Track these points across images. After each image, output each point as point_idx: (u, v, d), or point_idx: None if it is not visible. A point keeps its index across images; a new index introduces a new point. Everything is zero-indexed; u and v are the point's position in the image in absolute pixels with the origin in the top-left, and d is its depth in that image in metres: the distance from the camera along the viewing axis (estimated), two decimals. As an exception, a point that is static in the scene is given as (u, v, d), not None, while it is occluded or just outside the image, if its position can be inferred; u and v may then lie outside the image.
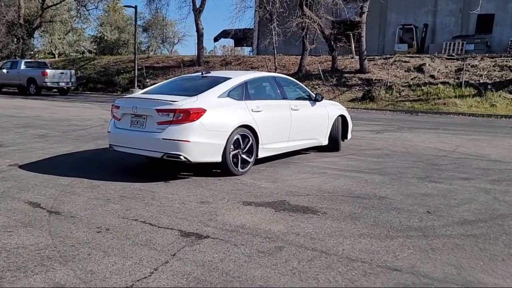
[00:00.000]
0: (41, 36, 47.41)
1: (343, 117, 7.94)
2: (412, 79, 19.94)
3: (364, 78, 20.73)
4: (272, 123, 6.40)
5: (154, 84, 26.37)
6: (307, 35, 21.65)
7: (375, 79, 20.39)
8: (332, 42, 22.00)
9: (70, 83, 24.54)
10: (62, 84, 24.03)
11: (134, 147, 5.64)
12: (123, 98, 6.12)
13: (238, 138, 5.82)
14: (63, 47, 50.56)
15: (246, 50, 46.13)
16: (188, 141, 5.32)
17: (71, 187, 5.22)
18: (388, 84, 19.63)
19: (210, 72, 6.68)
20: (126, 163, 6.65)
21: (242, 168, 5.91)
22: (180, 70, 26.74)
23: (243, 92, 6.15)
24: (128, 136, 5.71)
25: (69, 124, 11.54)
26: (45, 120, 12.34)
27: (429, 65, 20.68)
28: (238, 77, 6.24)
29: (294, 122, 6.77)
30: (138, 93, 6.45)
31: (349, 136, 8.21)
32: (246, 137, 5.94)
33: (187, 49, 60.60)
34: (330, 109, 7.68)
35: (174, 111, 5.34)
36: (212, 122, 5.52)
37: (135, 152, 5.70)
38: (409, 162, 7.07)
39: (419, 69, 20.59)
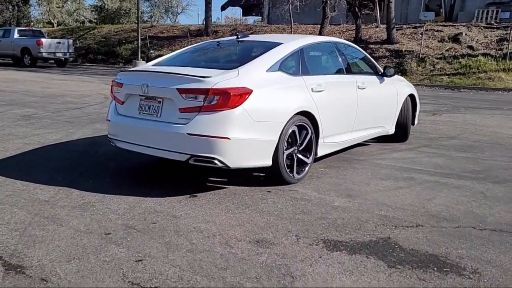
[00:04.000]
0: (39, 4, 45.00)
1: (412, 97, 6.09)
2: (447, 50, 17.85)
3: (393, 49, 18.64)
4: (336, 108, 4.58)
5: (159, 56, 24.44)
6: (328, 1, 19.44)
7: (404, 51, 18.30)
8: (357, 9, 19.80)
9: (67, 53, 22.53)
10: (59, 54, 22.03)
11: (144, 144, 3.85)
12: (127, 72, 4.27)
13: (294, 131, 4.03)
14: (62, 16, 48.11)
15: (251, 20, 43.59)
16: (227, 137, 3.52)
17: (51, 206, 3.47)
18: (421, 56, 17.58)
19: (248, 36, 4.79)
20: (133, 161, 4.87)
21: (298, 173, 4.14)
22: (187, 40, 24.61)
23: (299, 64, 4.30)
24: (135, 128, 3.91)
25: (63, 101, 9.72)
26: (36, 96, 10.52)
27: (465, 34, 18.54)
28: (292, 42, 4.37)
29: (360, 105, 4.95)
30: (148, 65, 4.58)
31: (416, 121, 6.39)
32: (303, 129, 4.14)
33: (190, 19, 57.74)
34: (399, 87, 5.83)
35: (206, 91, 3.52)
36: (260, 108, 3.71)
37: (145, 152, 3.91)
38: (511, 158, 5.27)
39: (455, 39, 18.45)
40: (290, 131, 3.96)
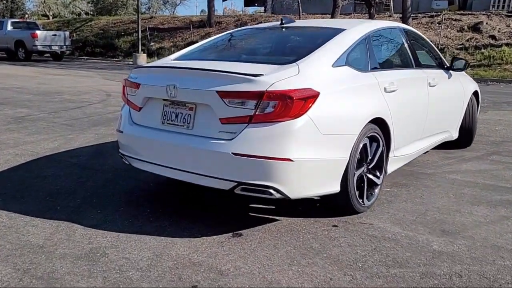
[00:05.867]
0: (34, -5, 43.70)
1: (476, 95, 5.12)
2: (467, 40, 16.84)
3: (408, 40, 17.61)
4: (408, 112, 3.62)
5: (160, 49, 23.40)
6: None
7: (421, 41, 17.28)
8: (370, -3, 18.75)
9: (64, 46, 21.40)
10: (55, 48, 20.90)
11: (170, 165, 2.87)
12: (146, 68, 3.24)
13: (365, 145, 3.06)
14: (57, 8, 46.78)
15: (251, 12, 42.31)
16: (289, 159, 2.54)
17: (47, 255, 2.50)
18: (440, 46, 16.56)
19: (294, 21, 3.77)
20: (150, 179, 3.90)
21: (367, 199, 3.18)
22: (189, 32, 23.53)
23: (367, 56, 3.32)
24: (157, 143, 2.93)
25: (60, 99, 8.71)
26: (31, 93, 9.52)
27: (486, 23, 17.51)
28: (356, 28, 3.38)
29: (431, 107, 3.99)
30: (168, 59, 3.57)
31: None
32: (374, 141, 3.17)
33: (189, 11, 56.52)
34: (464, 83, 4.87)
35: (259, 95, 2.55)
36: (329, 116, 2.75)
37: (171, 176, 2.94)
38: None
39: (475, 28, 17.42)
40: (361, 145, 2.99)
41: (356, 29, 3.35)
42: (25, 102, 8.21)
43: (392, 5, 21.51)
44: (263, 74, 2.61)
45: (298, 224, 2.98)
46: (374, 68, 3.31)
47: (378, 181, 3.28)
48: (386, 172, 3.40)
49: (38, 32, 20.49)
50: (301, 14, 20.77)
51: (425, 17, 19.65)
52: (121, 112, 3.33)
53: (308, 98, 2.61)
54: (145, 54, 20.22)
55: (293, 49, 3.34)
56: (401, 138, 3.51)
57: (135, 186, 3.77)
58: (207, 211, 3.23)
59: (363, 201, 3.11)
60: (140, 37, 21.14)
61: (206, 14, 27.70)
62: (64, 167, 4.26)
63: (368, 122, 3.02)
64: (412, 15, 19.18)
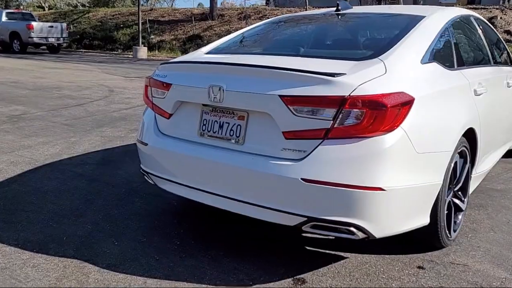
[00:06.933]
0: (29, -13, 42.66)
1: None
2: (482, 36, 16.18)
3: (420, 35, 16.95)
4: (493, 119, 2.99)
5: (161, 41, 22.61)
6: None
7: (434, 36, 16.63)
8: (380, -10, 18.06)
9: (61, 38, 20.57)
10: (51, 40, 20.06)
11: (211, 189, 2.21)
12: (177, 65, 2.52)
13: (455, 163, 2.41)
14: (53, 0, 45.76)
15: (247, 5, 41.47)
16: (381, 188, 1.89)
17: (53, 317, 1.84)
18: (453, 42, 15.90)
19: (351, 7, 3.09)
20: (172, 196, 3.22)
21: (454, 230, 2.53)
22: (191, 25, 22.72)
23: (452, 50, 2.66)
24: (194, 160, 2.26)
25: (59, 95, 8.00)
26: (27, 88, 8.80)
27: (500, 18, 16.87)
28: (435, 15, 2.70)
29: (508, 111, 3.34)
30: (200, 52, 2.85)
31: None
32: (461, 157, 2.52)
33: (188, 4, 55.34)
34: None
35: (339, 101, 1.89)
36: (425, 129, 2.10)
37: (213, 204, 2.27)
38: None
39: (489, 23, 16.77)
40: (453, 164, 2.34)
41: (436, 16, 2.68)
42: (21, 98, 7.51)
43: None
44: (344, 73, 1.94)
45: (372, 264, 2.33)
46: (461, 65, 2.66)
47: (463, 206, 2.64)
48: (468, 193, 2.76)
49: (34, 23, 19.66)
50: (307, 7, 20.05)
51: (436, 11, 18.96)
52: (143, 118, 2.65)
53: (403, 105, 1.95)
54: (146, 47, 19.45)
55: (366, 40, 2.68)
56: (484, 151, 2.87)
57: (155, 205, 3.11)
58: (250, 239, 2.58)
59: (449, 233, 2.46)
60: (140, 29, 20.35)
61: (205, 7, 26.92)
62: (67, 179, 3.59)
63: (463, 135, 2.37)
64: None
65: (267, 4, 32.36)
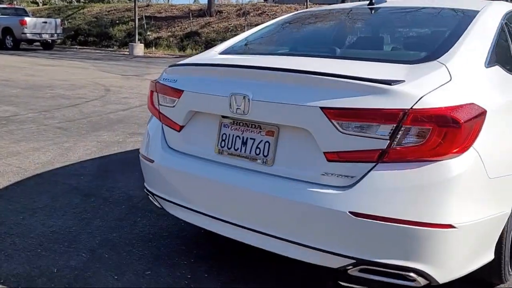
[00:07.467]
0: (23, -18, 41.93)
1: None
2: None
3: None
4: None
5: (158, 38, 22.11)
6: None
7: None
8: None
9: (55, 35, 20.05)
10: (45, 36, 19.54)
11: (232, 219, 1.83)
12: (190, 67, 2.11)
13: (518, 186, 2.03)
14: (47, -5, 45.11)
15: (245, 1, 40.90)
16: (452, 225, 1.50)
17: None
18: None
19: (386, 0, 2.69)
20: (182, 220, 2.83)
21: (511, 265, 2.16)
22: (188, 21, 22.28)
23: (510, 50, 2.28)
24: (211, 182, 1.87)
25: (52, 94, 7.57)
26: (18, 86, 8.36)
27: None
28: (490, 10, 2.31)
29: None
30: (213, 52, 2.42)
31: None
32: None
33: (184, -1, 54.64)
34: None
35: (398, 116, 1.50)
36: (496, 149, 1.71)
37: (235, 237, 1.89)
38: None
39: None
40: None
41: (491, 10, 2.30)
42: (11, 98, 7.08)
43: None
44: (403, 80, 1.56)
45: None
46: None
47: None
48: None
49: (27, 19, 19.13)
50: (307, 5, 19.64)
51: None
52: (147, 128, 2.26)
53: (475, 120, 1.57)
54: (142, 44, 18.99)
55: (413, 39, 2.30)
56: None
57: (160, 227, 2.72)
58: (268, 270, 2.19)
59: (510, 268, 2.09)
60: (136, 25, 19.87)
61: (201, 3, 26.46)
62: (60, 193, 3.19)
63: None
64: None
65: (265, 0, 31.90)
